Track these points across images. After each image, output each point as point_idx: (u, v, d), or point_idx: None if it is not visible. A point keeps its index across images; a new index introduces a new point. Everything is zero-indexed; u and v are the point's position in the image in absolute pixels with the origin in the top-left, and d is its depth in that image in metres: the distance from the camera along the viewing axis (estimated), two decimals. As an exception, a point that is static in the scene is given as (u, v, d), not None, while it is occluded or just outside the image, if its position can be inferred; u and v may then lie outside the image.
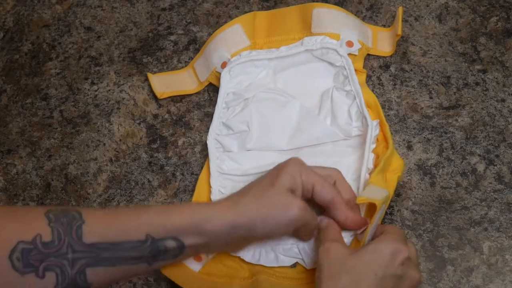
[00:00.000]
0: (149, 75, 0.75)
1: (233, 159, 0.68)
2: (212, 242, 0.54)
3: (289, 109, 0.69)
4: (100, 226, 0.51)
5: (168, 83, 0.74)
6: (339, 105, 0.68)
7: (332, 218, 0.58)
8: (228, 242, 0.56)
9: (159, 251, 0.52)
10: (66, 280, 0.50)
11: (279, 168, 0.57)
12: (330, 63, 0.70)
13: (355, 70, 0.69)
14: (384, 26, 0.77)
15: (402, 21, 0.75)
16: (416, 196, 0.66)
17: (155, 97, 0.75)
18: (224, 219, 0.53)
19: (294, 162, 0.58)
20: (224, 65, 0.72)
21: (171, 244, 0.53)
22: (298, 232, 0.59)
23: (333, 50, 0.70)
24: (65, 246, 0.49)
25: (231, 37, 0.73)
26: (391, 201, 0.65)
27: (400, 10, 0.73)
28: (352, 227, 0.58)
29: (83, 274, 0.50)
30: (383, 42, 0.74)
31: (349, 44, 0.70)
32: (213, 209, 0.54)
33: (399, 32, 0.71)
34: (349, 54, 0.70)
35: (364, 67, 0.73)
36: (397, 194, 0.66)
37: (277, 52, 0.71)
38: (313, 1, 0.74)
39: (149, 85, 0.76)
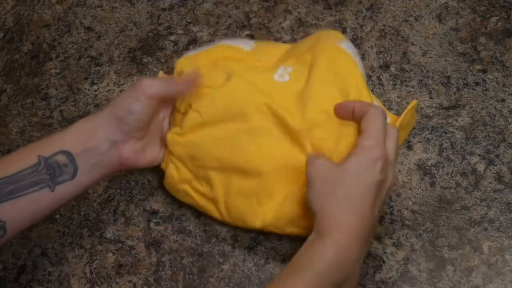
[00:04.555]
0: (161, 73, 0.73)
1: None
2: (97, 144, 0.58)
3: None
4: None
5: None
6: None
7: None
8: (115, 143, 0.59)
9: (53, 170, 0.55)
10: None
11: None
12: None
13: None
14: (384, 26, 0.77)
15: (403, 21, 0.75)
16: (416, 196, 0.66)
17: (155, 97, 0.75)
18: (94, 114, 0.59)
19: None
20: None
21: (61, 158, 0.56)
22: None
23: None
24: None
25: (240, 40, 0.70)
26: (391, 201, 0.65)
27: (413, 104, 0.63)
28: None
29: None
30: None
31: None
32: (93, 114, 0.60)
33: (397, 124, 0.60)
34: None
35: (364, 69, 0.73)
36: (397, 194, 0.66)
37: None
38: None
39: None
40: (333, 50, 0.62)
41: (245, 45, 0.67)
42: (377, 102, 0.64)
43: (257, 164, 0.60)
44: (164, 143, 0.64)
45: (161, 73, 0.74)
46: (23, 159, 0.55)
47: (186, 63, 0.66)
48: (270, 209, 0.60)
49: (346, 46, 0.63)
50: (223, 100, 0.61)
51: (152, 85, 0.59)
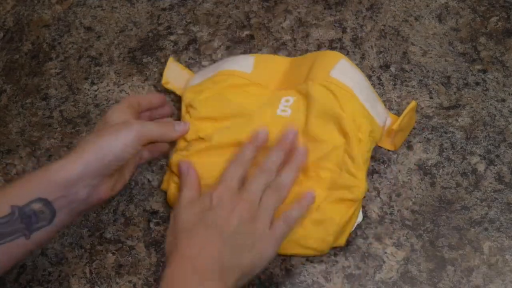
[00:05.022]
0: (171, 59, 0.74)
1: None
2: (77, 191, 0.55)
3: None
4: None
5: (179, 76, 0.74)
6: None
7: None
8: (94, 186, 0.56)
9: (29, 218, 0.53)
10: None
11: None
12: None
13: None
14: (384, 26, 0.77)
15: (403, 21, 0.75)
16: (416, 196, 0.66)
17: (155, 97, 0.75)
18: (74, 158, 0.55)
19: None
20: None
21: (37, 205, 0.53)
22: (154, 146, 0.63)
23: None
24: None
25: (241, 61, 0.71)
26: (391, 201, 0.65)
27: (412, 104, 0.66)
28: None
29: None
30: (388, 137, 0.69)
31: None
32: (63, 158, 0.56)
33: (394, 126, 0.65)
34: None
35: (364, 68, 0.73)
36: (397, 194, 0.66)
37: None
38: None
39: (149, 85, 0.76)
40: (325, 83, 0.63)
41: (246, 67, 0.68)
42: (382, 108, 0.66)
43: None
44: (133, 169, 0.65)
45: (171, 59, 0.74)
46: None
47: (193, 96, 0.67)
48: None
49: (339, 72, 0.64)
50: (236, 128, 0.64)
51: (146, 132, 0.59)
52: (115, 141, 0.57)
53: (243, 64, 0.69)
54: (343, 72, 0.64)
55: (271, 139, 0.62)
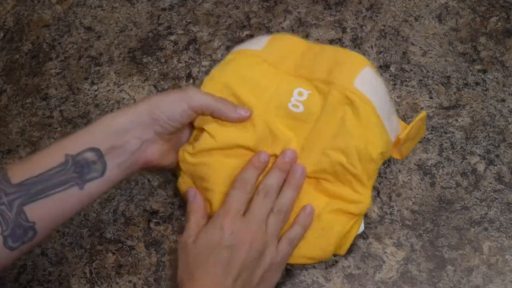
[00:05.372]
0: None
1: None
2: (127, 142, 0.56)
3: None
4: (23, 165, 0.54)
5: None
6: None
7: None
8: (145, 142, 0.57)
9: (82, 167, 0.54)
10: (10, 224, 0.51)
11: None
12: None
13: None
14: (384, 26, 0.77)
15: (403, 21, 0.75)
16: (416, 196, 0.66)
17: (155, 97, 0.75)
18: (126, 110, 0.57)
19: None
20: None
21: (89, 155, 0.54)
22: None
23: None
24: None
25: (254, 40, 0.67)
26: (391, 201, 0.65)
27: (421, 115, 0.62)
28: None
29: (23, 214, 0.52)
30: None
31: None
32: (118, 110, 0.58)
33: (402, 136, 0.61)
34: None
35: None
36: (397, 194, 0.66)
37: None
38: None
39: (149, 85, 0.76)
40: (348, 93, 0.59)
41: (257, 45, 0.65)
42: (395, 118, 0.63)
43: None
44: None
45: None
46: (50, 158, 0.54)
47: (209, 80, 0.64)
48: None
49: (363, 83, 0.60)
50: (241, 133, 0.61)
51: (199, 99, 0.59)
52: (168, 99, 0.58)
53: (255, 43, 0.66)
54: (367, 82, 0.60)
55: (277, 134, 0.61)
